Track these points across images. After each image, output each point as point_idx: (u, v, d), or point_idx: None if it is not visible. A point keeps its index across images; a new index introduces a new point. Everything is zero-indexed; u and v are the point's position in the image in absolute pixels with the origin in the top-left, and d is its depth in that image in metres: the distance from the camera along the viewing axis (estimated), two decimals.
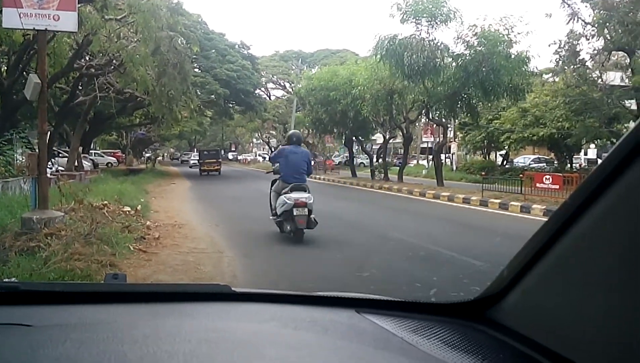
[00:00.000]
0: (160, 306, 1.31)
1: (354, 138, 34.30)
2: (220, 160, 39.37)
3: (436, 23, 20.49)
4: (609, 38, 20.77)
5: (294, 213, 9.27)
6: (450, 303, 1.31)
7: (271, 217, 10.12)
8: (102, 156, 42.63)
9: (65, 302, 1.29)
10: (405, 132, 28.00)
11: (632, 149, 0.75)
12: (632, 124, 0.76)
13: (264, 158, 65.83)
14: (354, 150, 37.41)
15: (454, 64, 21.03)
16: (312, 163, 12.37)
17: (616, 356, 0.84)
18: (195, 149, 54.84)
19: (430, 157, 32.41)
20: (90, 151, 37.37)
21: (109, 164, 40.47)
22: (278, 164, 10.04)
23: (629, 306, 0.81)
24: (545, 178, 17.08)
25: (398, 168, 29.12)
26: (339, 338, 1.16)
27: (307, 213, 9.31)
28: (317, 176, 34.69)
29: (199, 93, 33.45)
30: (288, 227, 9.51)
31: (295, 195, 9.38)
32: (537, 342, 1.00)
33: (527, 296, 1.06)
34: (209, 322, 1.23)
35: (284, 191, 9.61)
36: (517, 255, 1.06)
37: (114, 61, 19.23)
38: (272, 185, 10.33)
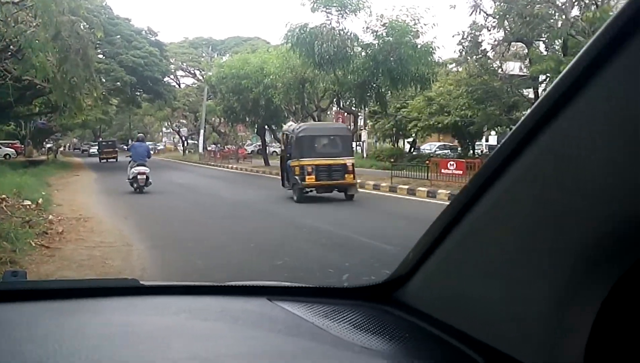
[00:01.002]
0: (63, 303, 1.26)
1: (266, 127, 34.19)
2: (116, 149, 44.89)
3: (346, 12, 20.74)
4: (508, 30, 21.77)
5: (138, 178, 16.46)
6: (359, 287, 1.34)
7: (127, 180, 17.02)
8: (0, 148, 40.25)
9: None
10: (316, 120, 28.22)
11: (525, 135, 0.80)
12: (529, 111, 0.83)
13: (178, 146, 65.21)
14: (266, 139, 37.29)
15: (363, 53, 21.41)
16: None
17: (514, 333, 0.90)
18: (100, 140, 53.80)
19: None
20: None
21: (7, 156, 38.18)
22: (131, 152, 17.55)
23: (525, 285, 0.86)
24: (450, 164, 17.80)
25: None
26: (250, 326, 1.17)
27: (145, 178, 16.51)
28: (230, 166, 34.35)
29: (104, 80, 32.08)
30: (135, 185, 16.56)
31: (139, 168, 16.56)
32: (441, 320, 1.05)
33: (431, 277, 1.11)
34: (115, 317, 1.20)
35: (134, 166, 16.76)
36: (422, 237, 1.10)
37: (11, 47, 18.13)
38: (129, 163, 17.38)
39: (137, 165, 16.60)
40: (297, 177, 14.27)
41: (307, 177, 14.06)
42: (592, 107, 0.71)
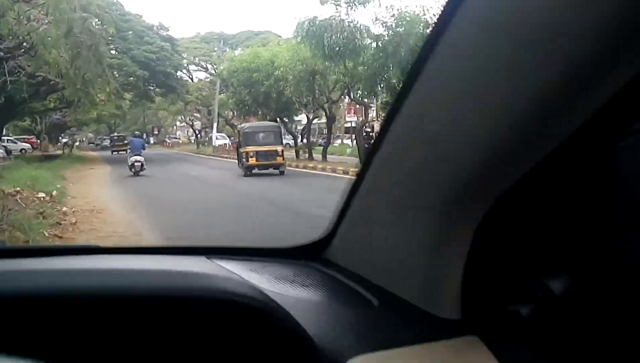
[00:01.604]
0: (21, 261, 1.29)
1: (278, 119, 34.26)
2: (126, 142, 46.15)
3: (355, 4, 20.72)
4: None
5: (135, 164, 20.93)
6: (292, 247, 1.45)
7: (127, 165, 21.39)
8: (15, 143, 40.74)
9: None
10: (328, 112, 28.28)
11: (396, 102, 0.93)
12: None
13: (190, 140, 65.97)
14: None
15: (373, 45, 21.35)
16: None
17: (402, 276, 1.03)
18: (113, 134, 55.83)
19: (354, 136, 32.84)
20: (2, 138, 35.65)
21: (23, 151, 38.69)
22: (130, 146, 23.20)
23: (409, 231, 1.00)
24: None
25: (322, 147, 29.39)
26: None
27: (140, 164, 21.00)
28: None
29: (117, 75, 32.27)
30: (132, 170, 20.86)
31: (135, 157, 21.12)
32: (353, 271, 1.19)
33: (344, 234, 1.25)
34: (57, 266, 1.22)
35: (132, 155, 21.53)
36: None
37: (24, 44, 18.35)
38: (128, 153, 23.09)
39: (134, 155, 21.51)
40: (244, 159, 20.58)
41: (250, 159, 20.21)
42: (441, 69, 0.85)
